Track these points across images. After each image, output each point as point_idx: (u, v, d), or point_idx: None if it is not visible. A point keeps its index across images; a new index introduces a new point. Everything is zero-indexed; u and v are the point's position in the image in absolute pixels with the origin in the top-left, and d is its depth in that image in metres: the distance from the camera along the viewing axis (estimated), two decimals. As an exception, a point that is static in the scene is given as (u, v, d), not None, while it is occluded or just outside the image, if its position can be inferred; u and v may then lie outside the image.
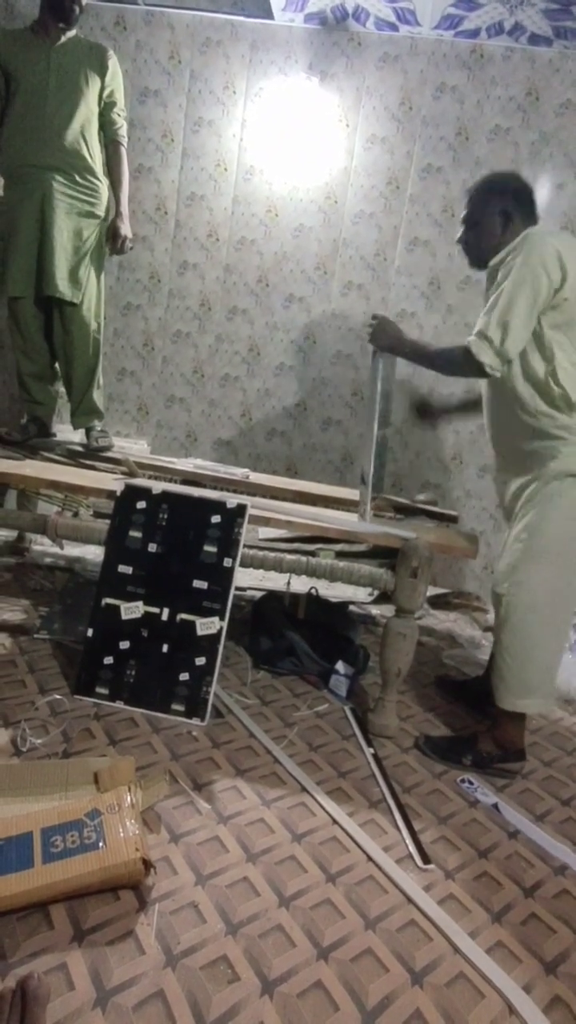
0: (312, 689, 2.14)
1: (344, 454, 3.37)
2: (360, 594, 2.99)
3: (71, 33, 2.38)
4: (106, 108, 2.47)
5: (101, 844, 1.17)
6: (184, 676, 1.84)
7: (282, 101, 3.12)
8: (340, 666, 2.15)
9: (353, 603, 2.92)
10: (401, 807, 1.59)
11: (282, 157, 3.16)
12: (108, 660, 1.86)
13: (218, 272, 3.30)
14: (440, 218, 3.14)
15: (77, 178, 2.40)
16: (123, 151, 2.55)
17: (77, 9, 2.32)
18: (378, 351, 1.96)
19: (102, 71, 2.41)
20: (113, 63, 2.45)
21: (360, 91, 3.09)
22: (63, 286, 2.42)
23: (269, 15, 3.01)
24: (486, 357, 1.61)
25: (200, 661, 1.85)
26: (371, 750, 1.82)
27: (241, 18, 3.06)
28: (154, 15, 3.12)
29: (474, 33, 2.93)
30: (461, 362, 1.67)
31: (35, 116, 2.33)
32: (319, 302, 3.27)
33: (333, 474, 3.35)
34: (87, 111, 2.40)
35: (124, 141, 2.55)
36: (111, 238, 2.52)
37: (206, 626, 1.87)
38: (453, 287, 3.17)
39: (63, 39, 2.36)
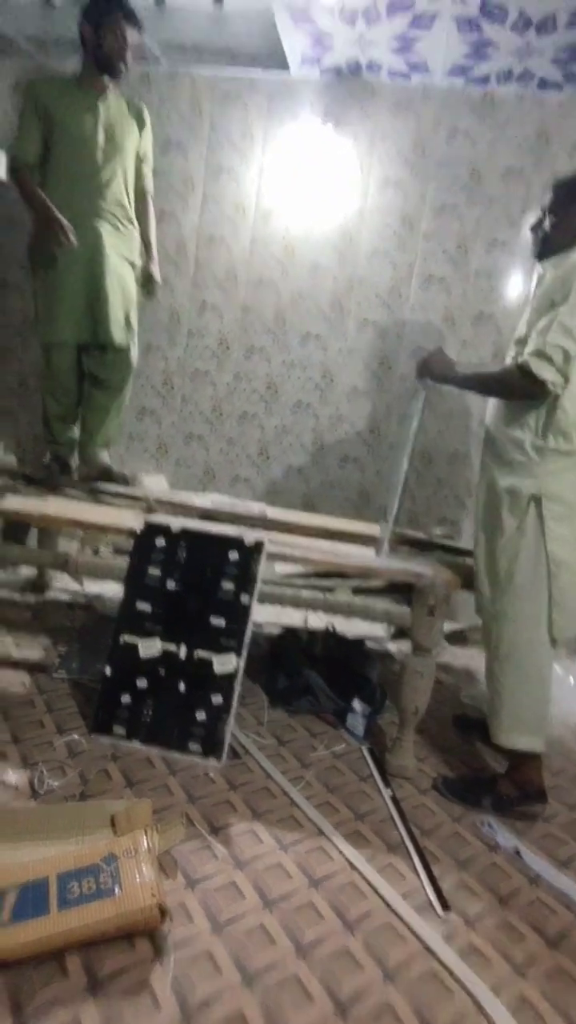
0: (329, 728, 2.12)
1: (361, 490, 3.38)
2: (377, 629, 2.98)
3: (114, 88, 2.51)
4: (139, 162, 2.61)
5: (117, 890, 1.17)
6: (201, 715, 1.84)
7: (298, 147, 3.22)
8: (357, 704, 2.13)
9: (371, 639, 2.90)
10: (420, 851, 1.56)
11: (298, 199, 3.25)
12: (126, 698, 1.87)
13: (236, 311, 3.38)
14: (455, 255, 3.19)
15: (120, 227, 2.53)
16: (151, 201, 2.70)
17: (124, 66, 2.43)
18: (422, 385, 1.99)
19: (140, 127, 2.56)
20: (148, 120, 2.61)
21: (374, 136, 3.18)
22: (118, 334, 2.52)
23: (286, 69, 3.12)
24: (548, 374, 1.63)
25: (217, 700, 1.85)
26: (389, 791, 1.80)
27: (259, 73, 3.18)
28: (177, 73, 3.26)
29: (484, 80, 3.01)
30: (520, 383, 1.68)
31: (84, 166, 2.43)
32: (335, 339, 3.32)
33: (350, 510, 3.36)
34: (127, 164, 2.54)
35: (152, 192, 2.71)
36: (145, 282, 2.66)
37: (223, 663, 1.87)
38: (468, 323, 3.20)
39: (109, 94, 2.48)
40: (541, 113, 3.04)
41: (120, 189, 2.51)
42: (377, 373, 3.30)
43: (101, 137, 2.44)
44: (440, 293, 3.21)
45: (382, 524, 2.06)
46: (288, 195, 3.26)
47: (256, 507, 2.67)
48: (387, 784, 1.83)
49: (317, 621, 2.70)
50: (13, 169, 2.45)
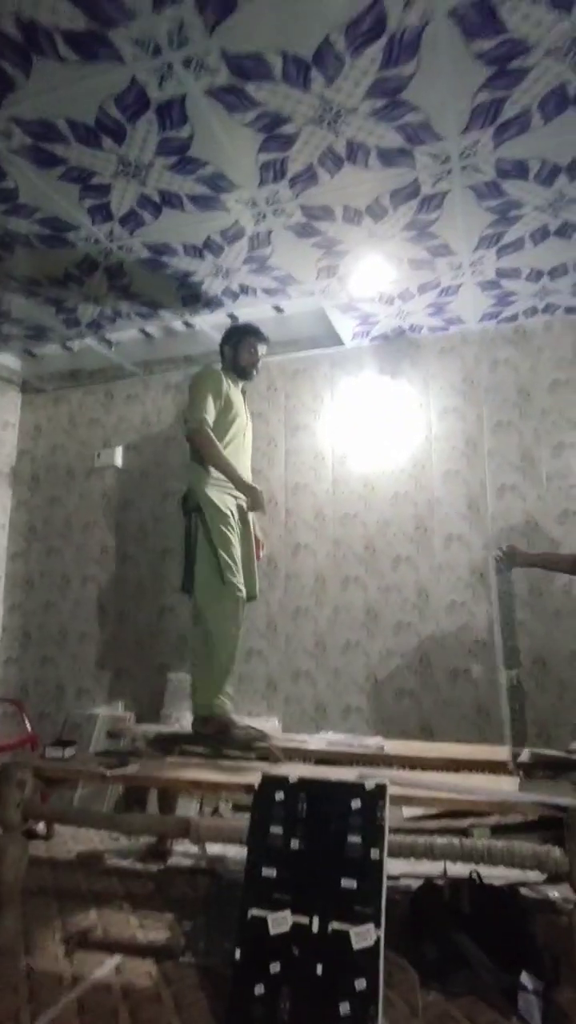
0: (498, 1017, 1.78)
1: (477, 706, 3.20)
2: (530, 872, 2.59)
3: None
4: None
5: None
6: (345, 1008, 1.61)
7: (362, 398, 3.68)
8: (526, 979, 1.80)
9: (524, 884, 2.52)
10: None
11: (370, 440, 3.63)
12: (259, 989, 1.68)
13: (328, 547, 3.60)
14: (520, 464, 3.35)
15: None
16: None
17: (256, 372, 3.01)
18: (503, 571, 2.17)
19: None
20: None
21: (426, 378, 3.60)
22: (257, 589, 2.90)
23: (341, 343, 3.71)
24: None
25: (360, 985, 1.63)
26: None
27: (319, 352, 3.79)
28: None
29: (513, 318, 3.43)
30: None
31: (242, 447, 2.92)
32: (424, 558, 3.43)
33: (470, 729, 3.16)
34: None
35: None
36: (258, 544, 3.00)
37: (361, 937, 1.68)
38: (552, 523, 3.25)
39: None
40: (574, 333, 3.37)
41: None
42: (471, 584, 3.32)
43: (247, 424, 2.97)
44: (516, 500, 3.33)
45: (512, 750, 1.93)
46: (359, 438, 3.65)
47: (373, 742, 2.58)
48: None
49: (459, 868, 2.41)
50: (195, 431, 2.71)
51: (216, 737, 2.51)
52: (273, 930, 1.75)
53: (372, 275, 2.97)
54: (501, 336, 3.50)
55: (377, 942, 1.67)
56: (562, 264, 2.89)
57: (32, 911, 2.31)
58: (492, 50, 1.74)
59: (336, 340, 3.67)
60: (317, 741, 2.52)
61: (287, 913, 1.77)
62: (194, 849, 2.84)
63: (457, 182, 2.29)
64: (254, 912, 1.79)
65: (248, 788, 1.97)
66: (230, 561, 2.63)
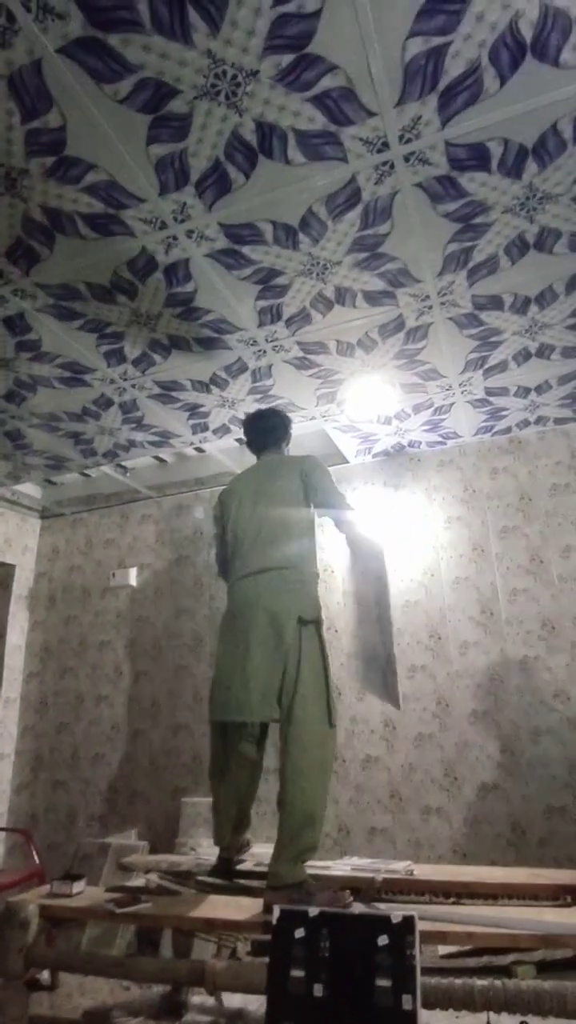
0: None
1: (512, 823, 3.03)
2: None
3: None
4: None
5: None
6: None
7: (368, 511, 3.79)
8: None
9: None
10: None
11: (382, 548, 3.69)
12: None
13: (342, 659, 3.57)
14: (530, 566, 3.38)
15: None
16: None
17: None
18: None
19: None
20: None
21: (429, 490, 3.72)
22: None
23: (345, 460, 3.87)
24: None
25: None
26: None
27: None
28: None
29: (507, 430, 3.59)
30: None
31: None
32: (440, 666, 3.39)
33: (506, 849, 2.97)
34: None
35: None
36: None
37: None
38: (569, 624, 3.22)
39: None
40: (567, 440, 3.51)
41: None
42: (491, 691, 3.25)
43: None
44: (529, 603, 3.33)
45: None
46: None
47: (401, 866, 2.44)
48: None
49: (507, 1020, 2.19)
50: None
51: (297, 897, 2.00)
52: None
53: (368, 399, 3.17)
54: (497, 447, 3.65)
55: None
56: (546, 381, 3.07)
57: None
58: (456, 211, 1.98)
59: (341, 458, 3.84)
60: (341, 866, 2.39)
61: (313, 1077, 1.62)
62: (211, 1001, 2.61)
63: (439, 315, 2.51)
64: (277, 1077, 1.64)
65: (266, 926, 1.86)
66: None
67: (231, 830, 2.39)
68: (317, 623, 2.26)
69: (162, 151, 1.75)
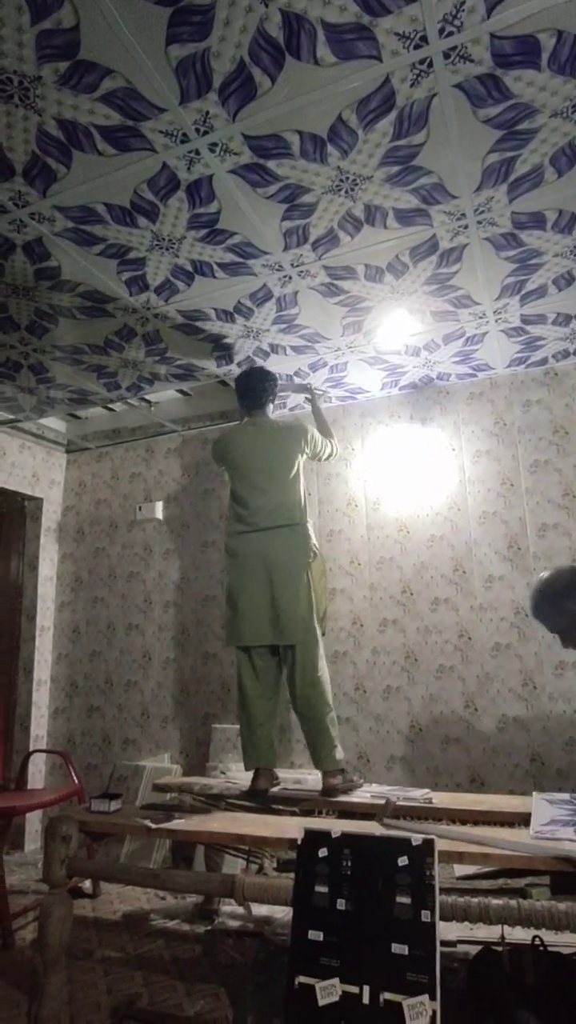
0: None
1: (531, 754, 3.09)
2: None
3: None
4: None
5: None
6: None
7: (394, 445, 3.71)
8: (596, 1055, 1.69)
9: (592, 949, 2.37)
10: None
11: (403, 485, 3.64)
12: (310, 1066, 1.62)
13: (364, 591, 3.59)
14: (562, 501, 3.31)
15: None
16: None
17: None
18: None
19: None
20: None
21: (457, 423, 3.62)
22: None
23: (369, 393, 3.77)
24: None
25: (416, 1064, 1.56)
26: None
27: (348, 401, 3.86)
28: (285, 414, 4.03)
29: (543, 361, 3.44)
30: None
31: None
32: (464, 600, 3.38)
33: (524, 779, 3.04)
34: None
35: None
36: None
37: (416, 1011, 1.61)
38: (597, 561, 3.18)
39: None
40: (605, 372, 3.36)
41: None
42: (516, 624, 3.25)
43: None
44: (560, 538, 3.27)
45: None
46: (392, 484, 3.67)
47: (419, 793, 2.52)
48: None
49: (520, 933, 2.29)
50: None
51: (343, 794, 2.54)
52: (322, 1000, 1.70)
53: (397, 329, 3.04)
54: (532, 379, 3.51)
55: (434, 1017, 1.60)
56: (587, 308, 2.91)
57: (77, 977, 2.29)
58: (499, 116, 1.82)
59: (366, 389, 3.74)
60: (360, 794, 2.46)
61: (335, 981, 1.71)
62: (241, 910, 2.78)
63: (474, 236, 2.36)
64: (301, 980, 1.74)
65: (292, 843, 1.94)
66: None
67: (264, 752, 2.70)
68: (310, 564, 2.80)
69: (183, 52, 1.62)
